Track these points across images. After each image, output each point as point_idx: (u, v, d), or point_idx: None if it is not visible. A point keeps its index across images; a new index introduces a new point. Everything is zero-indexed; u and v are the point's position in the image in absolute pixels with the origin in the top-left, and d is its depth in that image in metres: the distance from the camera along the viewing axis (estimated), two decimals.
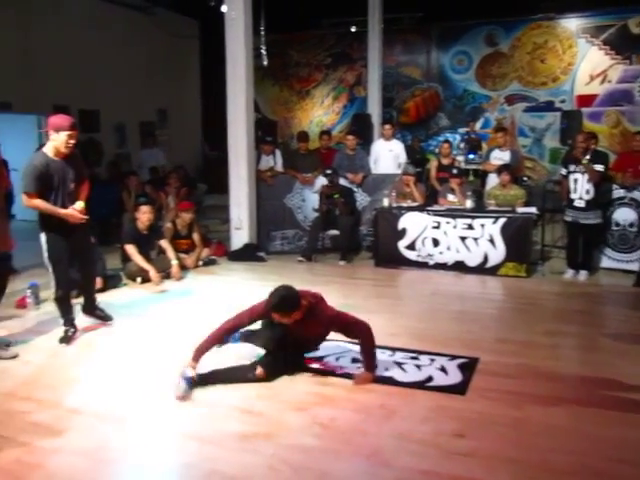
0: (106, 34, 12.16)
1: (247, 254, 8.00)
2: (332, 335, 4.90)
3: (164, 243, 7.03)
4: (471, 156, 10.70)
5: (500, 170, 7.71)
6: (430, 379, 4.07)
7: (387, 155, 8.91)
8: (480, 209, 7.49)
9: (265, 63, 8.73)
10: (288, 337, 4.08)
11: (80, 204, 4.81)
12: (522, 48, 13.56)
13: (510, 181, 7.64)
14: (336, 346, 4.66)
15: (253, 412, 3.61)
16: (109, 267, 6.80)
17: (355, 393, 3.87)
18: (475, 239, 7.11)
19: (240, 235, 8.13)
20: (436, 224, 7.30)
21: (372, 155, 9.02)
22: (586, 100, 12.90)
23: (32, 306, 5.79)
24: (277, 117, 16.12)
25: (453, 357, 4.42)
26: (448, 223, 7.24)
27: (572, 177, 6.76)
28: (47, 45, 10.96)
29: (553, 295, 6.47)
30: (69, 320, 5.00)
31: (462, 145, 11.85)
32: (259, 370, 4.01)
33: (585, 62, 12.98)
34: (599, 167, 6.58)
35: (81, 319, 5.21)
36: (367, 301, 6.06)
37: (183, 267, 7.19)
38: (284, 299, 3.90)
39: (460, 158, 10.30)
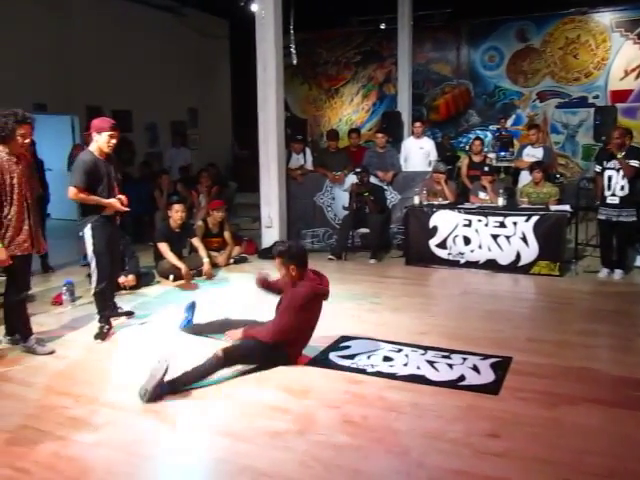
0: (138, 35, 12.33)
1: None
2: (363, 333, 4.93)
3: (196, 241, 7.10)
4: (503, 153, 10.61)
5: (533, 167, 7.63)
6: (462, 378, 4.04)
7: (417, 153, 8.87)
8: (512, 207, 7.41)
9: (295, 62, 8.74)
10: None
11: (121, 196, 5.08)
12: (554, 43, 13.36)
13: (543, 178, 7.55)
14: (367, 344, 4.67)
15: (285, 409, 3.63)
16: (142, 265, 6.89)
17: (386, 392, 3.87)
18: (507, 237, 7.04)
19: (270, 233, 8.18)
20: (467, 222, 7.24)
21: (402, 153, 8.99)
22: (620, 95, 12.65)
23: (68, 303, 5.91)
24: (306, 115, 16.14)
25: (485, 356, 4.39)
26: (480, 221, 7.18)
27: (606, 174, 6.64)
28: (80, 47, 11.14)
29: (587, 294, 6.37)
30: (105, 316, 5.11)
31: (493, 142, 11.76)
32: (218, 351, 4.02)
33: (619, 57, 12.74)
34: (635, 162, 6.46)
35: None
36: (397, 300, 6.06)
37: (214, 265, 7.26)
38: (290, 248, 4.26)
39: (492, 155, 10.23)
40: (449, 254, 7.36)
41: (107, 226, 5.03)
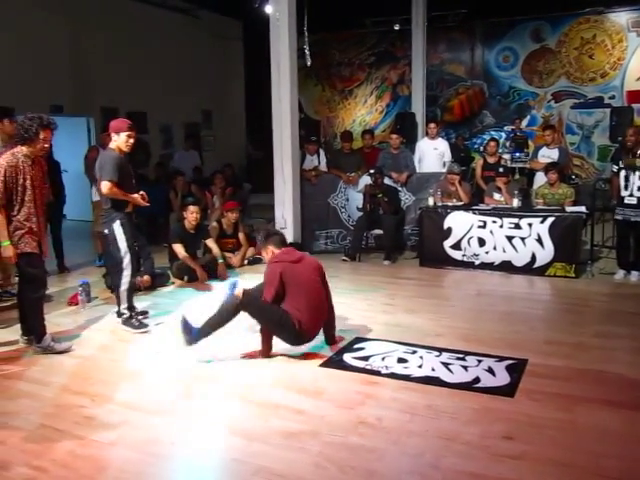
0: (152, 37, 12.43)
1: None
2: (378, 334, 4.92)
3: (210, 242, 7.13)
4: (517, 154, 10.55)
5: (548, 168, 7.58)
6: (477, 380, 4.02)
7: (432, 154, 8.84)
8: (527, 208, 7.37)
9: (309, 63, 8.73)
10: None
11: (142, 192, 5.31)
12: (569, 43, 13.29)
13: (558, 180, 7.50)
14: (382, 346, 4.66)
15: (299, 410, 3.64)
16: (157, 265, 6.92)
17: (401, 393, 3.86)
18: (522, 239, 6.99)
19: (285, 234, 8.16)
20: (482, 223, 7.21)
21: (417, 154, 8.97)
22: (637, 96, 12.55)
23: (83, 303, 5.94)
24: (320, 117, 16.17)
25: (501, 358, 4.36)
26: (494, 222, 7.14)
27: (622, 174, 6.59)
28: (96, 49, 11.24)
29: (603, 296, 6.32)
30: (134, 308, 5.32)
31: (508, 143, 11.70)
32: (239, 291, 4.41)
33: (636, 57, 12.64)
34: None
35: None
36: (412, 301, 6.04)
37: (229, 266, 7.28)
38: (267, 232, 4.95)
39: (506, 156, 10.17)
40: (464, 255, 7.33)
41: (131, 223, 5.22)
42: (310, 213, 8.46)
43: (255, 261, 7.84)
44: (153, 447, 3.24)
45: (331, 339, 4.75)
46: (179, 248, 6.83)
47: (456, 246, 7.35)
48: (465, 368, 4.22)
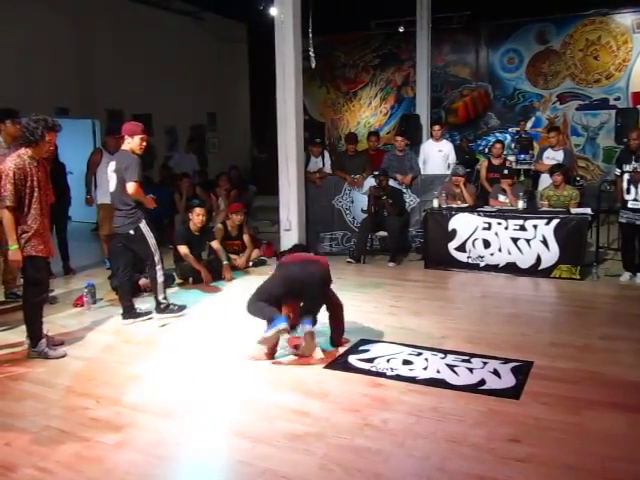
0: (157, 39, 12.45)
1: None
2: (383, 336, 4.92)
3: (215, 244, 7.14)
4: (522, 156, 10.54)
5: (553, 170, 7.55)
6: (483, 382, 4.01)
7: (436, 156, 8.83)
8: (532, 210, 7.35)
9: (313, 65, 8.73)
10: None
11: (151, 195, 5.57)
12: (574, 45, 13.27)
13: (563, 181, 7.47)
14: (387, 347, 4.66)
15: (304, 412, 3.63)
16: None
17: (406, 395, 3.85)
18: (527, 240, 6.98)
19: (289, 236, 8.16)
20: (487, 225, 7.19)
21: (421, 156, 8.96)
22: None
23: (89, 305, 5.96)
24: (324, 119, 16.18)
25: (506, 360, 4.35)
26: (499, 224, 7.12)
27: (626, 177, 6.57)
28: (101, 51, 11.28)
29: (609, 298, 6.30)
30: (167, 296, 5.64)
31: (513, 145, 11.69)
32: None
33: None
34: None
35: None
36: (417, 303, 6.03)
37: (234, 267, 7.28)
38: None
39: (511, 158, 10.16)
40: (468, 257, 7.32)
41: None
42: (315, 215, 8.45)
43: (260, 263, 7.85)
44: (159, 449, 3.24)
45: (337, 341, 4.75)
46: (184, 250, 6.84)
47: (461, 248, 7.34)
48: (470, 370, 4.21)
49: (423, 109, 12.69)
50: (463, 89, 14.63)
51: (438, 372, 4.18)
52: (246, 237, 7.70)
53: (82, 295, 6.01)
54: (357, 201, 8.51)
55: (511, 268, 7.08)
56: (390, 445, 3.23)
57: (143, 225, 5.34)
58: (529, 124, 13.52)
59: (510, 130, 13.71)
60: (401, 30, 14.23)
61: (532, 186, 9.23)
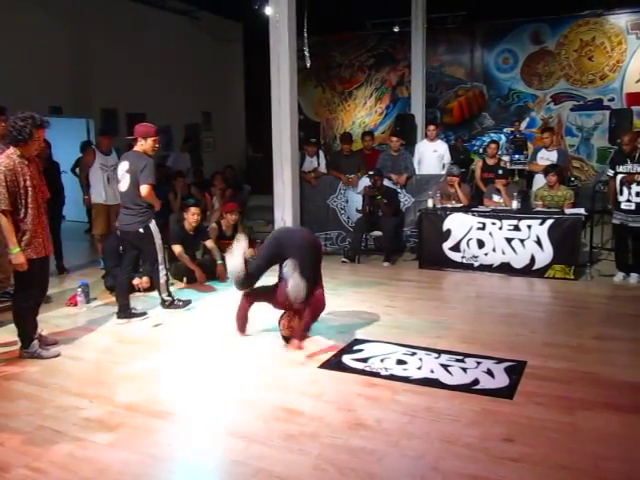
0: (152, 38, 12.43)
1: None
2: (377, 336, 4.92)
3: (209, 244, 7.13)
4: (517, 156, 10.56)
5: (547, 171, 7.58)
6: (476, 382, 4.02)
7: (431, 156, 8.84)
8: (527, 210, 7.37)
9: (308, 65, 8.74)
10: None
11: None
12: (569, 46, 13.30)
13: (558, 182, 7.50)
14: (381, 347, 4.66)
15: (298, 412, 3.63)
16: None
17: (400, 395, 3.86)
18: (521, 240, 6.99)
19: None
20: (481, 225, 7.21)
21: (416, 156, 8.96)
22: (636, 98, 12.55)
23: (83, 304, 5.94)
24: (319, 118, 16.17)
25: (500, 360, 4.36)
26: (494, 224, 7.14)
27: (619, 178, 6.59)
28: (96, 50, 11.24)
29: (603, 298, 6.32)
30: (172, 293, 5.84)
31: (507, 145, 11.72)
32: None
33: (635, 59, 12.66)
34: None
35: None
36: (411, 303, 6.04)
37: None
38: None
39: (506, 158, 10.17)
40: (463, 257, 7.33)
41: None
42: (309, 215, 8.46)
43: None
44: (152, 449, 3.24)
45: (296, 332, 4.67)
46: (179, 249, 6.82)
47: (455, 248, 7.35)
48: (464, 370, 4.22)
49: (418, 109, 12.70)
50: (458, 89, 14.65)
51: (432, 372, 4.19)
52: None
53: (76, 294, 6.00)
54: (352, 201, 8.52)
55: (505, 268, 7.10)
56: (384, 445, 3.23)
57: (153, 225, 5.46)
58: (523, 124, 13.54)
59: (505, 130, 13.74)
60: (396, 30, 14.25)
61: (526, 186, 9.26)
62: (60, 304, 6.03)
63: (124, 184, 5.46)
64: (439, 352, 4.55)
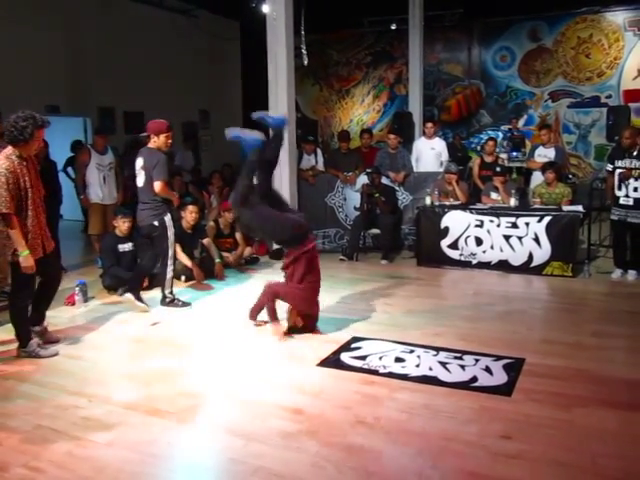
0: (150, 37, 12.40)
1: None
2: (375, 334, 4.92)
3: (207, 242, 7.12)
4: (514, 154, 10.56)
5: (545, 168, 7.59)
6: (475, 379, 4.03)
7: (429, 153, 8.85)
8: (524, 207, 7.37)
9: (305, 63, 8.74)
10: None
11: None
12: (566, 43, 13.30)
13: (555, 179, 7.50)
14: (379, 345, 4.66)
15: (297, 410, 3.63)
16: None
17: (399, 393, 3.86)
18: (519, 238, 7.00)
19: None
20: (479, 223, 7.21)
21: (414, 153, 8.97)
22: (634, 95, 12.55)
23: (80, 303, 5.94)
24: (317, 116, 16.15)
25: (498, 357, 4.37)
26: (492, 222, 7.14)
27: (617, 173, 6.59)
28: (93, 48, 11.21)
29: (601, 295, 6.33)
30: (172, 292, 5.86)
31: (505, 143, 11.72)
32: None
33: (632, 56, 12.66)
34: None
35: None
36: (409, 300, 6.04)
37: (226, 265, 7.26)
38: None
39: (503, 156, 10.18)
40: (461, 255, 7.33)
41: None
42: (307, 213, 8.33)
43: (252, 261, 7.84)
44: (151, 447, 3.23)
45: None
46: (177, 248, 6.80)
47: (453, 245, 7.36)
48: (462, 367, 4.22)
49: (416, 107, 12.69)
50: (455, 87, 14.64)
51: (430, 369, 4.20)
52: (238, 235, 7.68)
53: (74, 293, 6.00)
54: (350, 199, 8.51)
55: (503, 265, 7.11)
56: (382, 442, 3.24)
57: (167, 219, 5.56)
58: (521, 122, 13.54)
59: (502, 128, 13.73)
60: (394, 28, 14.22)
61: (524, 184, 9.25)
62: (58, 303, 5.99)
63: (140, 180, 5.58)
64: (437, 350, 4.56)
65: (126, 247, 6.56)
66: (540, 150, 8.27)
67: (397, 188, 8.41)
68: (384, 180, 8.21)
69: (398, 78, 15.16)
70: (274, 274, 6.15)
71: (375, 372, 4.18)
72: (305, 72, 14.21)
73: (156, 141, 5.56)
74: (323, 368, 4.29)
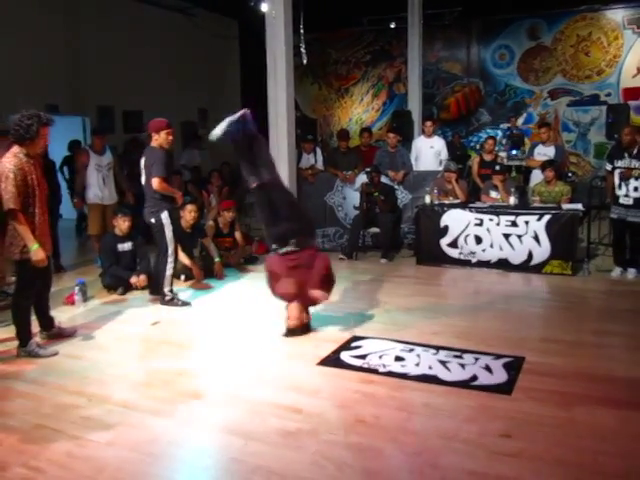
0: (148, 36, 12.38)
1: None
2: (375, 332, 4.92)
3: (206, 241, 7.12)
4: (514, 152, 10.55)
5: (544, 166, 7.58)
6: (475, 378, 4.02)
7: (428, 152, 8.84)
8: (524, 206, 7.37)
9: (305, 62, 8.74)
10: None
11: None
12: (565, 41, 13.30)
13: (555, 177, 7.50)
14: (379, 344, 4.66)
15: (296, 409, 3.63)
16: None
17: (398, 391, 3.86)
18: (519, 236, 7.00)
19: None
20: (479, 221, 7.21)
21: (413, 152, 8.97)
22: (633, 93, 12.55)
23: (80, 303, 5.93)
24: (316, 115, 16.14)
25: (498, 356, 4.36)
26: (491, 220, 7.14)
27: (617, 172, 6.59)
28: (92, 48, 11.20)
29: (600, 294, 6.33)
30: (172, 290, 5.84)
31: (504, 141, 11.70)
32: None
33: (632, 54, 12.66)
34: None
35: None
36: (409, 299, 6.04)
37: (225, 265, 7.26)
38: None
39: (503, 154, 10.16)
40: (460, 253, 7.33)
41: (175, 214, 5.84)
42: (307, 212, 8.43)
43: (251, 260, 7.83)
44: (150, 447, 3.23)
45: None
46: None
47: (453, 244, 7.35)
48: (462, 366, 4.22)
49: (415, 105, 12.69)
50: (455, 85, 14.63)
51: (430, 368, 4.19)
52: (238, 234, 7.68)
53: (73, 293, 5.99)
54: (349, 198, 8.51)
55: (503, 264, 7.10)
56: (382, 441, 3.23)
57: (165, 216, 5.56)
58: (520, 120, 13.52)
59: (501, 126, 13.70)
60: (392, 26, 14.21)
61: (523, 182, 9.25)
62: (57, 303, 6.00)
63: (143, 178, 5.66)
64: (437, 348, 4.55)
65: (126, 246, 6.55)
66: (539, 148, 8.27)
67: (396, 187, 8.40)
68: (383, 179, 8.21)
69: (397, 77, 15.15)
70: None
71: (375, 371, 4.17)
72: (304, 71, 14.20)
73: (157, 139, 5.61)
74: (323, 367, 4.28)
